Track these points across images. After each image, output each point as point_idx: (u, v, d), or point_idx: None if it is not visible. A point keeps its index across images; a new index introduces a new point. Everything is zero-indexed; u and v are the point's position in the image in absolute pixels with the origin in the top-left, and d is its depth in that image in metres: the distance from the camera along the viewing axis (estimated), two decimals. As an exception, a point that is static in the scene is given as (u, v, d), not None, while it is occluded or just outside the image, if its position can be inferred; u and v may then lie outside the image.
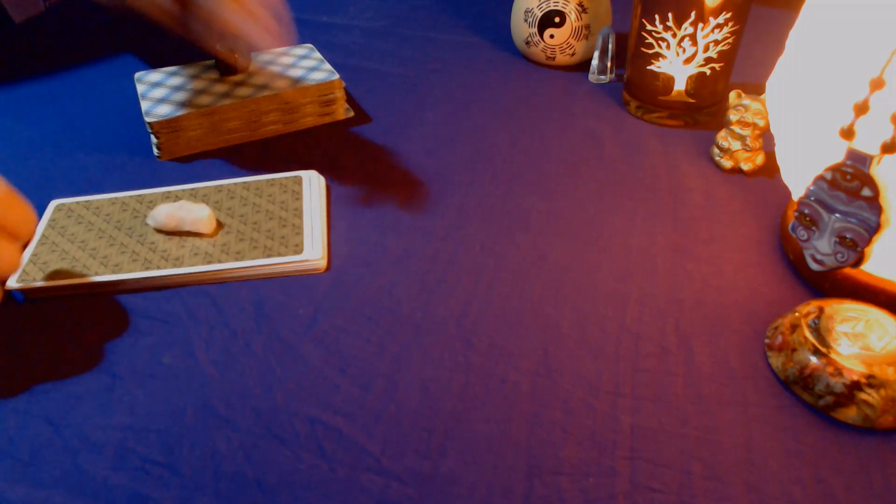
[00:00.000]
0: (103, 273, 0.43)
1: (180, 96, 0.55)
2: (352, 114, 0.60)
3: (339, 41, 0.71)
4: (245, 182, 0.50)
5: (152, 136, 0.54)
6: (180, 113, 0.53)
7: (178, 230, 0.45)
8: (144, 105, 0.54)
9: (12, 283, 0.42)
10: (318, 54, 0.60)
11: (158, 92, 0.56)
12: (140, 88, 0.57)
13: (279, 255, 0.44)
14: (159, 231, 0.46)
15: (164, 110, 0.54)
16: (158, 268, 0.43)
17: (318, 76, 0.57)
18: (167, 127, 0.53)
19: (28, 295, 0.43)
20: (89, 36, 0.72)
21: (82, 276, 0.43)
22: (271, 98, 0.55)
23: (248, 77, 0.57)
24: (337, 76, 0.57)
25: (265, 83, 0.56)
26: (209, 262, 0.43)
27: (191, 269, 0.43)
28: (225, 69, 0.57)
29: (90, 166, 0.54)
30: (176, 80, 0.57)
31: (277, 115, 0.56)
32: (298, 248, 0.44)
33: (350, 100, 0.62)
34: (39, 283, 0.42)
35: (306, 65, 0.59)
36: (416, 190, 0.51)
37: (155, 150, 0.55)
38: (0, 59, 0.69)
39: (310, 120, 0.58)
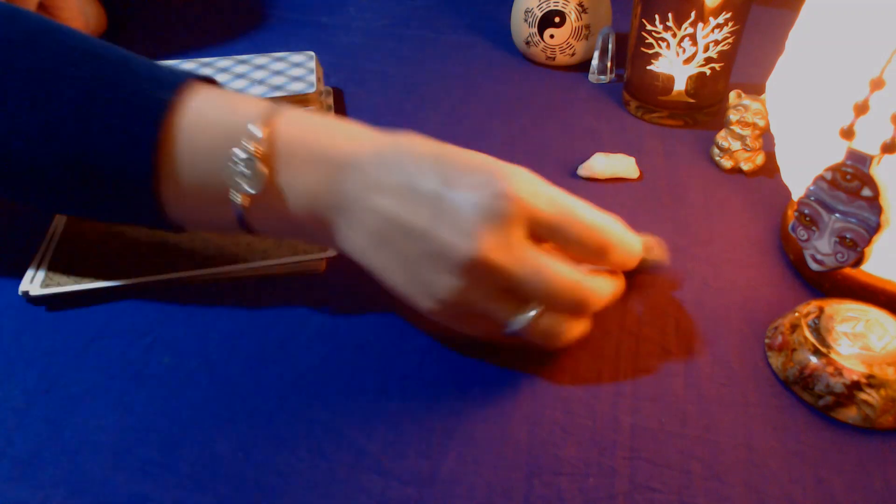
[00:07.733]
0: (130, 277, 0.42)
1: None
2: None
3: (338, 41, 0.71)
4: None
5: None
6: None
7: (611, 177, 0.52)
8: None
9: (37, 289, 0.41)
10: (313, 63, 0.57)
11: None
12: None
13: (305, 252, 0.43)
14: (591, 179, 0.51)
15: None
16: (186, 269, 0.43)
17: (296, 87, 0.54)
18: None
19: (56, 300, 0.42)
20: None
21: (110, 280, 0.42)
22: None
23: (231, 79, 0.55)
24: (314, 90, 0.54)
25: (241, 88, 0.54)
26: (235, 262, 0.43)
27: (218, 270, 0.43)
28: None
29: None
30: None
31: None
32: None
33: (349, 100, 0.62)
34: (67, 289, 0.41)
35: (294, 73, 0.56)
36: (416, 190, 0.51)
37: None
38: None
39: None
